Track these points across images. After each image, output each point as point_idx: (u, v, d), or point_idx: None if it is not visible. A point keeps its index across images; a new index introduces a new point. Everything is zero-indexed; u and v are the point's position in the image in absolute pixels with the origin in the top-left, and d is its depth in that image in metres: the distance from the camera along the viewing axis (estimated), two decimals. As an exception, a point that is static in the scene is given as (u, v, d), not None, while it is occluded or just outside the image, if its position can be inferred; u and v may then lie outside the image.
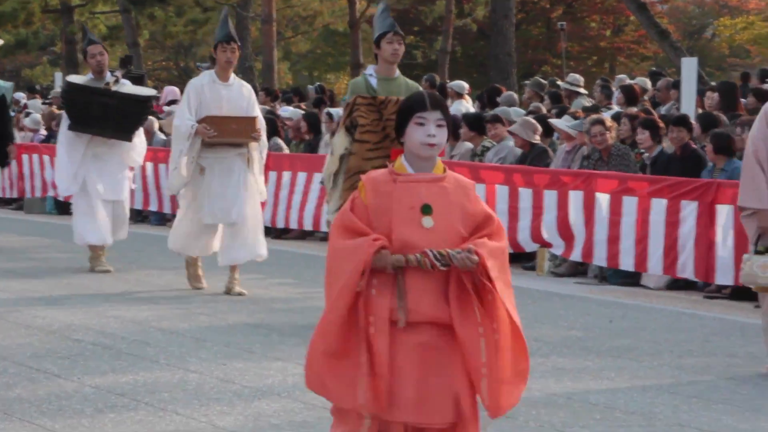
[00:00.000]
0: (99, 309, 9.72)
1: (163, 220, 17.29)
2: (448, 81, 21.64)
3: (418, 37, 41.17)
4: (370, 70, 8.85)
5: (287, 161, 15.76)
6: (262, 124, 10.59)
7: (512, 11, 28.62)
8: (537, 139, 13.49)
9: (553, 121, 13.81)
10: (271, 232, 14.74)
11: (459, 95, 18.36)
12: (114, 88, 11.76)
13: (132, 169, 12.57)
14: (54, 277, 11.67)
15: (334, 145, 8.74)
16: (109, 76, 11.97)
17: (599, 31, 41.84)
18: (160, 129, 17.94)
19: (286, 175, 15.49)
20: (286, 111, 18.76)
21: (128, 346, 8.14)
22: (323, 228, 14.26)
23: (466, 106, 17.88)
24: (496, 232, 4.28)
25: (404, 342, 4.21)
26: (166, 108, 20.06)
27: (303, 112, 17.73)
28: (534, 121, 13.65)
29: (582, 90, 17.91)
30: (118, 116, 11.61)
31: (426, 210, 4.21)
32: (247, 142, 10.46)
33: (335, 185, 8.64)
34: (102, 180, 11.85)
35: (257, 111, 10.68)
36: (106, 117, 11.59)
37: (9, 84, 14.45)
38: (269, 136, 15.65)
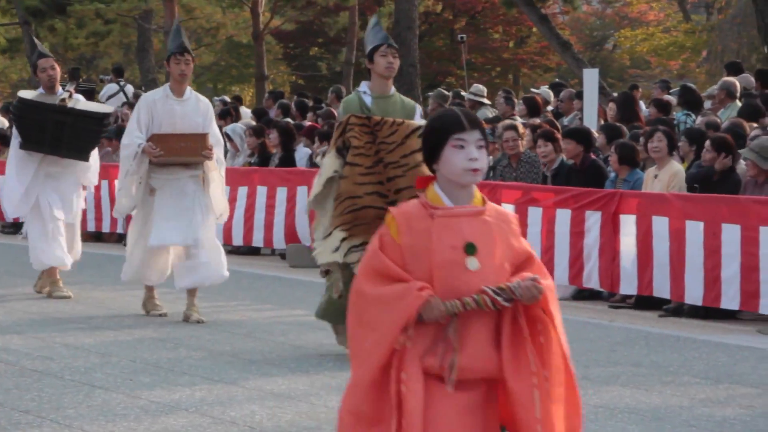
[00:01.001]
0: (1, 326, 9.57)
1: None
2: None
3: (322, 48, 41.18)
4: (363, 87, 8.28)
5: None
6: (217, 141, 9.95)
7: (415, 23, 28.70)
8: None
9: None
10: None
11: (364, 107, 18.34)
12: (69, 104, 11.04)
13: (85, 188, 11.71)
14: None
15: (323, 166, 8.16)
16: (61, 92, 11.19)
17: (502, 43, 42.17)
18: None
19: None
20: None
21: (32, 363, 8.03)
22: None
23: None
24: (540, 271, 3.78)
25: (449, 404, 3.66)
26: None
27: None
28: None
29: (485, 101, 18.03)
30: (74, 134, 10.88)
31: (470, 250, 3.70)
32: (198, 161, 9.78)
33: (323, 210, 8.08)
34: (56, 200, 11.07)
35: (213, 127, 9.98)
36: (61, 135, 10.85)
37: None
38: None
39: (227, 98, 24.42)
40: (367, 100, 8.16)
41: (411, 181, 7.74)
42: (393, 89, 8.30)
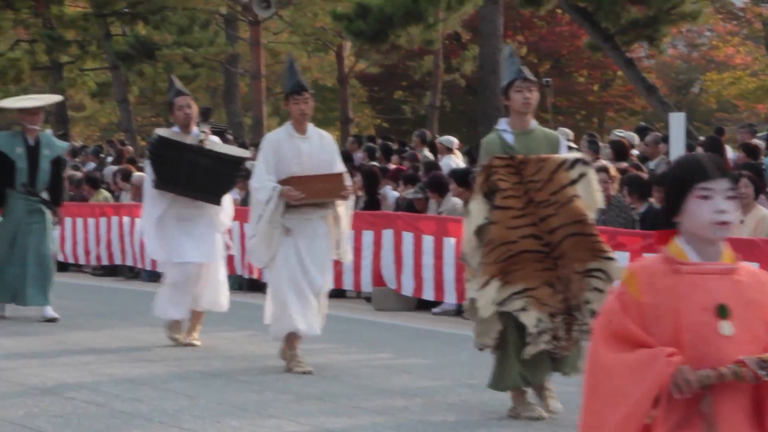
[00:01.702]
0: (92, 367, 9.70)
1: (155, 276, 17.24)
2: (437, 136, 21.73)
3: (407, 92, 41.37)
4: (502, 124, 7.89)
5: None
6: (348, 180, 9.66)
7: (500, 67, 28.76)
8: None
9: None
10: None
11: (449, 150, 18.43)
12: (207, 146, 10.57)
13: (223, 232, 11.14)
14: (47, 334, 11.64)
15: (471, 214, 7.65)
16: (196, 131, 10.63)
17: (587, 86, 42.09)
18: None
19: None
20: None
21: (122, 404, 8.13)
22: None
23: (456, 161, 17.95)
24: None
25: None
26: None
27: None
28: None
29: (571, 144, 17.99)
30: (210, 176, 10.44)
31: (723, 312, 3.33)
32: (336, 201, 9.54)
33: (476, 259, 7.56)
34: (189, 244, 10.60)
35: (341, 165, 9.72)
36: (196, 176, 10.41)
37: (65, 144, 13.64)
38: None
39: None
40: (508, 138, 7.79)
41: (564, 218, 7.49)
42: (534, 123, 7.88)
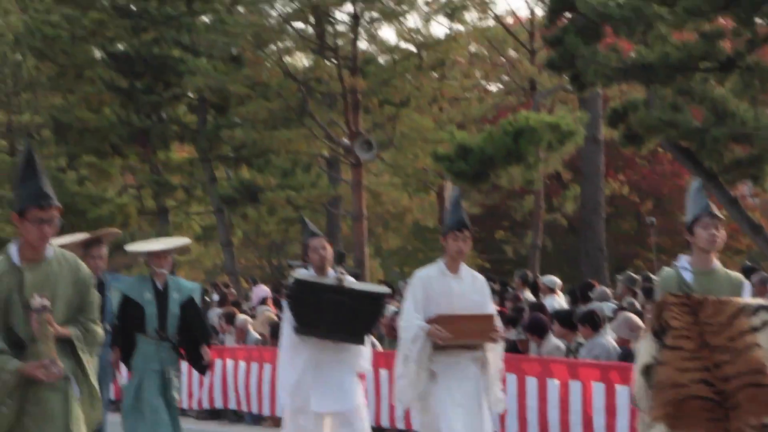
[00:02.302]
0: None
1: (259, 419, 17.22)
2: (539, 276, 21.63)
3: (508, 232, 41.38)
4: (682, 261, 7.54)
5: (383, 359, 15.60)
6: (498, 322, 9.45)
7: (602, 206, 28.73)
8: (638, 336, 13.31)
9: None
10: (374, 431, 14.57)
11: (551, 290, 18.32)
12: (346, 284, 10.27)
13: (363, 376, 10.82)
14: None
15: (638, 353, 7.30)
16: (333, 273, 10.36)
17: (690, 225, 41.72)
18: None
19: (383, 373, 15.27)
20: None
21: None
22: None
23: (559, 301, 17.83)
24: None
25: None
26: (258, 308, 20.23)
27: (395, 309, 17.76)
28: (634, 317, 13.49)
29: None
30: (352, 316, 10.12)
31: None
32: (484, 343, 9.28)
33: (646, 402, 7.13)
34: (326, 393, 10.20)
35: (492, 307, 9.54)
36: (338, 317, 10.11)
37: (196, 285, 13.28)
38: None
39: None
40: (687, 276, 7.44)
41: (741, 367, 6.93)
42: (716, 263, 7.52)
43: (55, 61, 34.01)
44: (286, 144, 30.51)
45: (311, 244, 10.44)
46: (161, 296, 11.56)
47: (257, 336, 17.87)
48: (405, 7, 27.91)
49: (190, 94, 33.40)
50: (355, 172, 29.55)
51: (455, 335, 9.06)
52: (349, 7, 28.08)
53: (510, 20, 34.49)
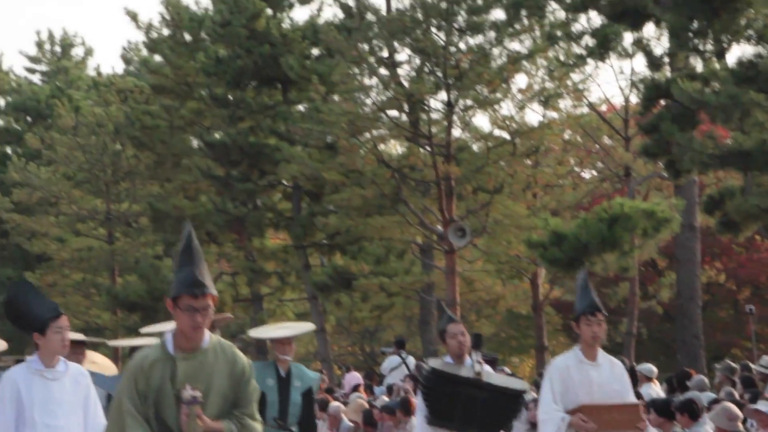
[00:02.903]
0: None
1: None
2: (635, 364, 21.38)
3: (603, 320, 40.94)
4: None
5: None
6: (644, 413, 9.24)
7: (698, 294, 28.38)
8: (737, 426, 13.07)
9: (757, 405, 13.41)
10: None
11: (648, 379, 18.09)
12: (484, 378, 9.96)
13: None
14: None
15: None
16: (470, 361, 10.10)
17: (789, 313, 41.06)
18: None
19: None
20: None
21: None
22: None
23: (656, 390, 17.59)
24: None
25: None
26: (351, 395, 20.20)
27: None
28: (733, 407, 13.27)
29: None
30: (487, 411, 9.75)
31: None
32: None
33: None
34: None
35: (633, 396, 9.25)
36: (473, 412, 9.73)
37: (317, 375, 12.79)
38: None
39: (507, 369, 24.48)
40: None
41: None
42: None
43: (154, 150, 34.62)
44: (379, 231, 30.62)
45: (449, 330, 10.16)
46: (283, 383, 11.23)
47: (350, 423, 17.82)
48: (499, 95, 28.00)
49: (285, 182, 33.75)
50: (449, 259, 29.53)
51: (600, 426, 8.75)
52: (443, 96, 28.24)
53: (604, 107, 34.48)
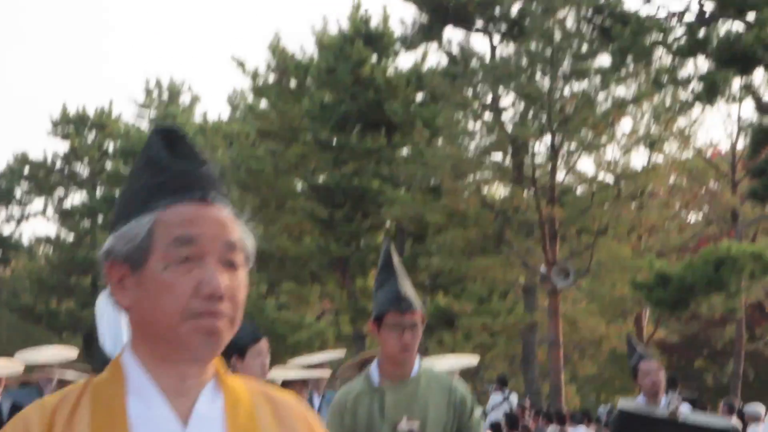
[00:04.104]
0: None
1: None
2: (742, 404, 21.34)
3: (708, 360, 40.71)
4: None
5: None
6: None
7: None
8: None
9: None
10: None
11: (755, 419, 18.09)
12: (680, 417, 9.56)
13: None
14: None
15: None
16: (665, 401, 9.61)
17: None
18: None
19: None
20: (578, 434, 18.81)
21: None
22: None
23: (763, 430, 17.60)
24: None
25: None
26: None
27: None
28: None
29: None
30: None
31: None
32: None
33: None
34: None
35: None
36: None
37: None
38: None
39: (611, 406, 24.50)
40: None
41: None
42: None
43: (259, 192, 35.21)
44: (482, 271, 30.83)
45: (642, 368, 9.65)
46: None
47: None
48: (604, 139, 28.15)
49: (388, 224, 34.12)
50: (552, 300, 29.65)
51: None
52: (548, 139, 28.46)
53: (710, 152, 34.39)
